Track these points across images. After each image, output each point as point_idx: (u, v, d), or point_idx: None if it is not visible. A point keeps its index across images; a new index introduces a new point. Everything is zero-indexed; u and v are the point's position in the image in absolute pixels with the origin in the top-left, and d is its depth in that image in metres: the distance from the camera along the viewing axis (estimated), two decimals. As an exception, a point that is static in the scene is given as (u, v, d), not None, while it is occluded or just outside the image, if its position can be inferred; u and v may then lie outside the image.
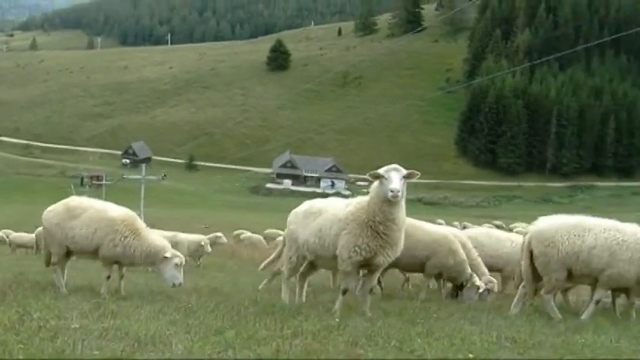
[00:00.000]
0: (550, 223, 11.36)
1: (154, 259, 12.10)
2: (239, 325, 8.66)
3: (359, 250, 10.12)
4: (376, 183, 10.32)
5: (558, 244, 10.94)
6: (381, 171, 10.13)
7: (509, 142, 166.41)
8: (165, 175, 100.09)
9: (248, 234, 41.21)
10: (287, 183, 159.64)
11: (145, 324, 8.37)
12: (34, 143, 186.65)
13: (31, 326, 8.02)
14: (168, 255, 11.93)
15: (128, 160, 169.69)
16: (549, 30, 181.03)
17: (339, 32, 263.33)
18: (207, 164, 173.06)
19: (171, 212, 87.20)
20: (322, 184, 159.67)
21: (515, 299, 11.84)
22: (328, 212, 10.83)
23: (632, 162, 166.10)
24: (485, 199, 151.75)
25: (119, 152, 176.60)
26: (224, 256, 29.40)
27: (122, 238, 12.07)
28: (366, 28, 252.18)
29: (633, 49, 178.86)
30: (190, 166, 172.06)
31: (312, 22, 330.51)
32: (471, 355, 7.51)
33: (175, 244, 24.52)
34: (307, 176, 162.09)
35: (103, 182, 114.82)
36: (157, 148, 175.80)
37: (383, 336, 8.29)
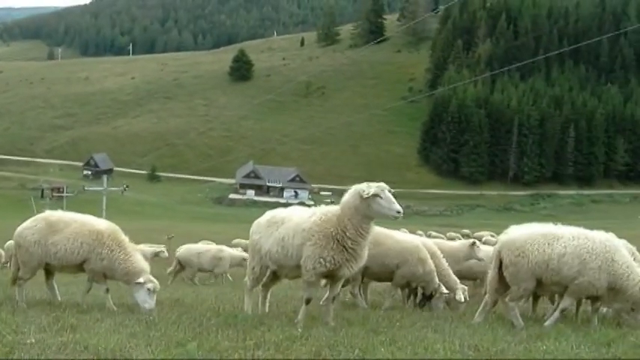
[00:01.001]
0: (520, 232, 11.36)
1: (130, 279, 12.01)
2: (201, 337, 8.57)
3: (323, 262, 10.06)
4: (355, 198, 10.40)
5: (528, 254, 10.94)
6: (373, 190, 10.31)
7: (471, 152, 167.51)
8: (127, 186, 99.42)
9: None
10: (250, 193, 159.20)
11: (105, 337, 8.25)
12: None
13: (-13, 342, 7.87)
14: (141, 280, 11.78)
15: (89, 172, 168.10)
16: (510, 40, 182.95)
17: (302, 42, 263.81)
18: (169, 175, 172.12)
19: (133, 224, 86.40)
20: (285, 194, 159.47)
21: (480, 308, 11.85)
22: (292, 221, 10.76)
23: (592, 170, 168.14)
24: (448, 208, 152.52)
25: (80, 164, 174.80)
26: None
27: (109, 252, 11.98)
28: (329, 38, 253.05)
29: (592, 59, 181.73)
30: (152, 177, 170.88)
31: (275, 33, 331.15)
32: (433, 364, 7.50)
33: (219, 259, 24.43)
34: (270, 186, 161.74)
35: (64, 194, 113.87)
36: (119, 160, 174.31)
37: (346, 345, 8.24)
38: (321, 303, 10.86)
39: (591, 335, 9.75)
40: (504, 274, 11.28)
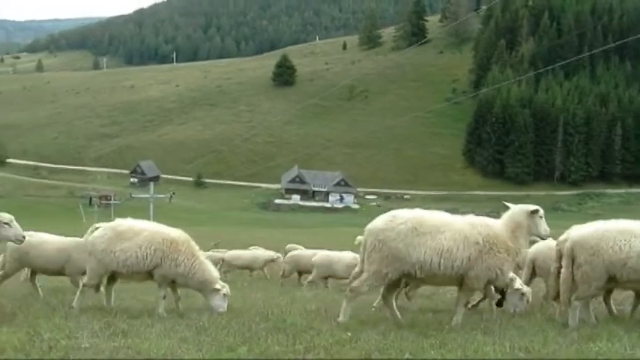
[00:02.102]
0: (593, 230, 11.04)
1: (205, 287, 12.36)
2: (251, 342, 8.61)
3: (499, 273, 10.65)
4: (525, 216, 11.09)
5: (603, 252, 10.67)
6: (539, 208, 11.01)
7: (516, 152, 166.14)
8: (173, 193, 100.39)
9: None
10: (295, 198, 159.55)
11: (156, 342, 8.34)
12: (42, 164, 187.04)
13: (42, 347, 7.99)
14: (218, 287, 12.27)
15: (136, 179, 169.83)
16: (553, 38, 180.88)
17: (344, 46, 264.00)
18: (215, 181, 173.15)
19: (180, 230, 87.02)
20: (331, 198, 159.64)
21: (558, 311, 11.64)
22: (454, 232, 10.75)
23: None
24: (494, 210, 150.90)
25: (127, 172, 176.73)
26: (234, 273, 29.30)
27: (185, 259, 12.20)
28: (371, 41, 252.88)
29: (638, 55, 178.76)
30: (198, 184, 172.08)
31: (317, 37, 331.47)
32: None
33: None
34: (316, 191, 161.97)
35: (112, 202, 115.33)
36: (165, 167, 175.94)
37: (396, 349, 8.23)
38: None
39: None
40: (575, 272, 11.00)
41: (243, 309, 13.02)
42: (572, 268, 11.06)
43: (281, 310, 12.91)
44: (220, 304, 12.21)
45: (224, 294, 12.24)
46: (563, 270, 11.32)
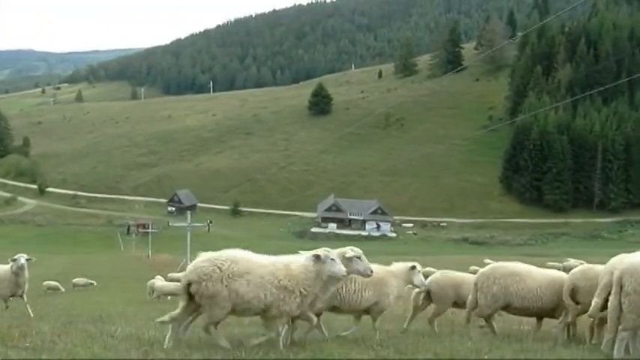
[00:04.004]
0: None
1: None
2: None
3: None
4: None
5: None
6: None
7: (554, 179, 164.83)
8: (211, 221, 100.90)
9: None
10: (332, 227, 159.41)
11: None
12: (81, 193, 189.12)
13: (80, 376, 8.01)
14: None
15: (174, 208, 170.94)
16: (590, 64, 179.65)
17: (380, 74, 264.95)
18: (251, 210, 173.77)
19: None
20: (367, 226, 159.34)
21: (605, 341, 11.33)
22: None
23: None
24: (533, 237, 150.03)
25: (164, 200, 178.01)
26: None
27: None
28: (407, 69, 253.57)
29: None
30: (235, 212, 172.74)
31: (353, 66, 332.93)
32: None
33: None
34: (352, 219, 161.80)
35: (150, 230, 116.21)
36: (202, 196, 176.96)
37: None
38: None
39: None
40: (623, 301, 10.67)
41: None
42: (620, 296, 10.80)
43: (318, 339, 12.83)
44: None
45: None
46: (611, 298, 11.07)
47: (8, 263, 18.70)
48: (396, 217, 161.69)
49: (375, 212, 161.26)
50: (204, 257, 11.09)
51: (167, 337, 11.78)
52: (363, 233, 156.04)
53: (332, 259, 11.17)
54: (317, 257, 11.18)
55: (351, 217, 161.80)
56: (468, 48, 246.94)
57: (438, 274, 16.36)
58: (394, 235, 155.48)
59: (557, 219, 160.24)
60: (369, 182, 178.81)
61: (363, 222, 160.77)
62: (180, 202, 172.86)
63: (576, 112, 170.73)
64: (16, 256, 18.45)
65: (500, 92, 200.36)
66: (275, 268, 11.25)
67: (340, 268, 11.20)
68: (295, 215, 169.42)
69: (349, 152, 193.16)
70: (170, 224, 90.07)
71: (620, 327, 10.76)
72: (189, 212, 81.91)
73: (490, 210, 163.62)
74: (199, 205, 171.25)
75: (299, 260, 11.42)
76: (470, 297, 14.61)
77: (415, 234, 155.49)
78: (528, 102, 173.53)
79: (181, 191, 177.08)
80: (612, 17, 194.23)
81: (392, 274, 13.39)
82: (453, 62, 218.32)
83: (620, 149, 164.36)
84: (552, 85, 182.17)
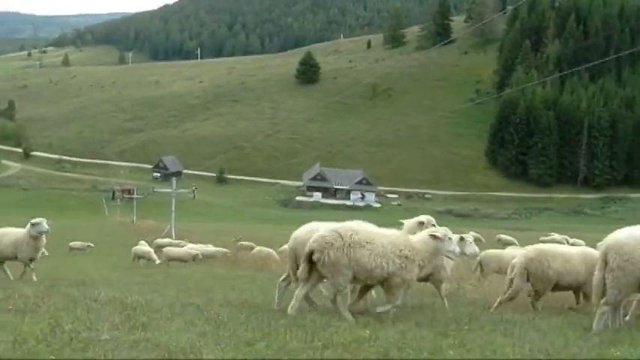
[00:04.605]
0: (629, 235, 10.83)
1: None
2: (270, 337, 8.62)
3: None
4: None
5: (638, 260, 10.50)
6: None
7: (539, 154, 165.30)
8: (195, 188, 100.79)
9: (259, 247, 41.03)
10: (317, 196, 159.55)
11: (176, 336, 8.36)
12: (66, 158, 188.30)
13: (63, 338, 8.03)
14: None
15: (159, 174, 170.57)
16: (579, 40, 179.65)
17: (368, 45, 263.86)
18: (237, 177, 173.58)
19: (201, 225, 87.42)
20: (352, 196, 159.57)
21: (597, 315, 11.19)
22: None
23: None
24: (516, 211, 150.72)
25: (150, 166, 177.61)
26: (254, 268, 29.37)
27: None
28: (395, 40, 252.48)
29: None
30: (220, 180, 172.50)
31: (342, 35, 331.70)
32: (502, 367, 7.45)
33: None
34: (337, 189, 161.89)
35: (134, 196, 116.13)
36: (188, 162, 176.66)
37: (414, 347, 8.22)
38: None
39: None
40: (606, 276, 10.84)
41: (263, 305, 13.05)
42: (604, 271, 10.93)
43: (300, 306, 12.90)
44: None
45: None
46: (595, 273, 11.23)
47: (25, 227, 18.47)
48: (381, 188, 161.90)
49: (360, 182, 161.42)
50: (326, 227, 11.56)
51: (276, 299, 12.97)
52: (348, 203, 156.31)
53: (450, 238, 11.85)
54: (435, 236, 11.72)
55: (336, 186, 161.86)
56: (457, 21, 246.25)
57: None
58: (378, 205, 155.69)
59: (541, 194, 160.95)
60: (355, 152, 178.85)
61: (348, 192, 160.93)
62: (165, 168, 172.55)
63: (563, 87, 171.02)
64: (36, 220, 18.19)
65: (489, 66, 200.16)
66: (396, 238, 11.73)
67: (455, 248, 12.01)
68: (280, 183, 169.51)
69: (336, 122, 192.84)
70: (155, 190, 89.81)
71: (602, 301, 10.88)
72: (174, 178, 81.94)
73: (475, 183, 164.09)
74: (184, 171, 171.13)
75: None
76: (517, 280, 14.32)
77: (400, 205, 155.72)
78: (516, 76, 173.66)
79: (167, 157, 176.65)
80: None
81: None
82: (441, 34, 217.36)
83: (605, 126, 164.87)
84: (540, 60, 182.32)
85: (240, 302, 13.43)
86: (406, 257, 11.41)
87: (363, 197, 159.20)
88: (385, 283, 11.57)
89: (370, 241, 11.27)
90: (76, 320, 9.30)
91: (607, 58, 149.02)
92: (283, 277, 13.34)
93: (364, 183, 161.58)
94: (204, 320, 10.01)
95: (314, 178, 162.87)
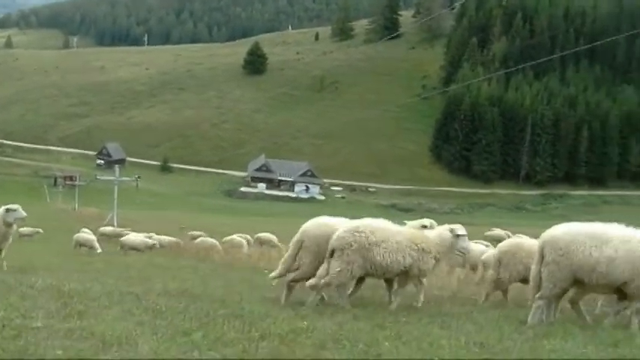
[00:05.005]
0: (566, 231, 11.02)
1: None
2: (207, 327, 8.59)
3: None
4: None
5: (572, 255, 10.66)
6: None
7: (483, 150, 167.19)
8: (139, 177, 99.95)
9: (202, 238, 41.01)
10: (261, 187, 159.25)
11: (112, 324, 8.30)
12: (7, 142, 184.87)
13: (-7, 325, 7.92)
14: None
15: (102, 161, 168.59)
16: (525, 39, 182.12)
17: (317, 37, 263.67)
18: (181, 166, 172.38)
19: (144, 214, 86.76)
20: (296, 188, 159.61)
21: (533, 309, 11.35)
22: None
23: (605, 171, 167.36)
24: (459, 206, 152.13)
25: (93, 153, 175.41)
26: (197, 258, 29.26)
27: None
28: (343, 33, 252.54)
29: (607, 60, 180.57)
30: (165, 168, 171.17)
31: (290, 27, 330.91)
32: (436, 359, 7.51)
33: None
34: (282, 180, 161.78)
35: (77, 183, 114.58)
36: (132, 150, 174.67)
37: (351, 339, 8.25)
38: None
39: (598, 335, 9.71)
40: (542, 270, 11.05)
41: (203, 295, 13.00)
42: (540, 265, 11.15)
43: (240, 297, 12.91)
44: None
45: None
46: (533, 267, 11.47)
47: None
48: (325, 180, 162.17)
49: (304, 174, 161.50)
50: (343, 225, 12.42)
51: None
52: (292, 195, 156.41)
53: (464, 236, 12.76)
54: (452, 231, 12.74)
55: (281, 178, 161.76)
56: (406, 15, 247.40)
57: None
58: (323, 198, 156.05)
59: (484, 189, 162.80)
60: (300, 144, 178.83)
61: (293, 183, 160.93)
62: (109, 155, 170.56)
63: (509, 85, 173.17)
64: (11, 206, 17.54)
65: (435, 62, 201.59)
66: (412, 233, 12.72)
67: (469, 246, 13.05)
68: (225, 174, 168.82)
69: (282, 113, 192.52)
70: (98, 177, 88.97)
71: (537, 295, 11.07)
72: (117, 166, 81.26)
73: (419, 178, 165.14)
74: (128, 159, 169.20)
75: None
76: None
77: (344, 198, 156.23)
78: (462, 73, 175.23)
79: (110, 144, 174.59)
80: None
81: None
82: (390, 29, 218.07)
83: (548, 124, 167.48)
84: (487, 58, 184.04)
85: (180, 292, 13.36)
86: (423, 250, 12.34)
87: (307, 189, 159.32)
88: (406, 275, 12.55)
89: (385, 239, 12.10)
90: (10, 307, 9.17)
91: (551, 57, 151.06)
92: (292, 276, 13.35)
93: (309, 175, 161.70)
94: (142, 309, 9.95)
95: (259, 169, 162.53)
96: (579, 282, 10.95)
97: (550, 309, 11.29)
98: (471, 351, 8.20)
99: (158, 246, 33.89)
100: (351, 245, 11.87)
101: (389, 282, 13.07)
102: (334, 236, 12.10)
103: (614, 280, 10.64)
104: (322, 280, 12.07)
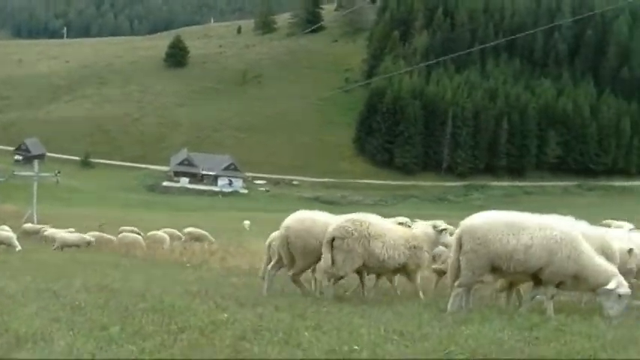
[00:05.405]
0: (483, 220, 11.26)
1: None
2: (126, 321, 8.52)
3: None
4: None
5: (490, 244, 10.89)
6: None
7: (406, 142, 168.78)
8: (58, 172, 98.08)
9: (125, 233, 40.65)
10: (184, 181, 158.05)
11: (27, 321, 8.16)
12: None
13: None
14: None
15: (20, 157, 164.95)
16: (446, 33, 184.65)
17: (239, 30, 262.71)
18: (103, 162, 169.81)
19: (65, 210, 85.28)
20: (220, 182, 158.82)
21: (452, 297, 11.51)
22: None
23: (524, 163, 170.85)
24: (383, 198, 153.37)
25: (11, 148, 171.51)
26: (118, 254, 28.95)
27: None
28: (266, 26, 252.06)
29: (526, 53, 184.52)
30: (85, 164, 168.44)
31: (212, 19, 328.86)
32: (356, 347, 7.56)
33: None
34: (205, 174, 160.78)
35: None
36: (51, 145, 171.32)
37: (271, 330, 8.27)
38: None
39: (515, 320, 9.92)
40: (461, 259, 11.24)
41: (123, 290, 12.87)
42: (459, 254, 11.34)
43: (161, 290, 12.82)
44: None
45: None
46: (451, 255, 11.70)
47: None
48: (248, 174, 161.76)
49: (227, 168, 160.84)
50: (345, 217, 12.94)
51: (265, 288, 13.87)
52: (215, 189, 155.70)
53: (446, 230, 13.36)
54: (435, 226, 13.33)
55: (204, 172, 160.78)
56: (328, 9, 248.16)
57: None
58: (246, 191, 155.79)
59: (407, 181, 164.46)
60: (223, 138, 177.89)
61: (216, 177, 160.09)
62: (27, 150, 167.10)
63: (430, 78, 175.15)
64: None
65: (358, 55, 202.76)
66: (403, 232, 13.23)
67: (449, 240, 13.01)
68: (148, 168, 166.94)
69: (205, 106, 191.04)
70: (15, 173, 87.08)
71: (456, 283, 11.25)
72: (36, 161, 79.68)
73: (342, 170, 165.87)
74: (48, 154, 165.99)
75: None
76: None
77: (267, 191, 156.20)
78: (384, 66, 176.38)
79: (29, 139, 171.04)
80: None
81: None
82: (312, 22, 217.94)
83: (469, 116, 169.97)
84: (408, 51, 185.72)
85: (100, 287, 13.23)
86: (415, 247, 12.89)
87: (230, 183, 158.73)
88: (401, 271, 13.31)
89: (383, 234, 12.57)
90: None
91: (471, 49, 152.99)
92: (272, 264, 14.18)
93: (232, 169, 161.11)
94: (59, 306, 9.83)
95: (181, 163, 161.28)
96: (497, 269, 11.20)
97: (469, 296, 11.52)
98: (389, 339, 8.29)
99: (94, 243, 33.60)
100: (352, 234, 12.29)
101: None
102: (334, 225, 12.56)
103: (530, 266, 10.97)
104: (331, 271, 12.52)
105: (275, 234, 14.51)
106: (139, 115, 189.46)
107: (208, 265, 24.10)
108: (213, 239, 40.30)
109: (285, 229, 13.36)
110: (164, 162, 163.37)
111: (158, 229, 42.05)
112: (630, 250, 13.48)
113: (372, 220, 12.77)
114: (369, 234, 12.30)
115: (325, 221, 13.21)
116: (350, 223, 12.45)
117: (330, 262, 12.28)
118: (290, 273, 13.51)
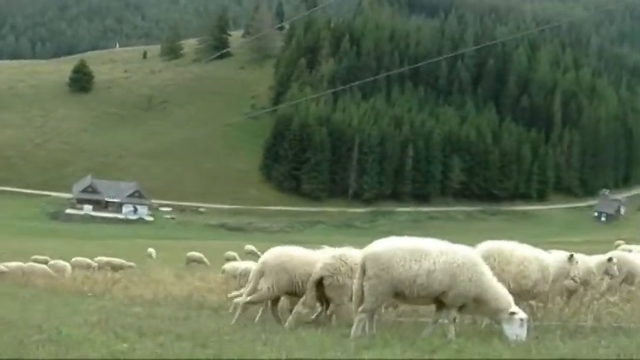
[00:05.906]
0: (386, 246, 11.40)
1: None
2: (20, 353, 8.24)
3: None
4: None
5: (393, 270, 11.03)
6: None
7: (312, 169, 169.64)
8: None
9: (17, 264, 39.40)
10: (88, 208, 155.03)
11: None
12: None
13: None
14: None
15: None
16: (353, 60, 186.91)
17: (145, 55, 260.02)
18: (2, 188, 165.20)
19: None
20: (124, 209, 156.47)
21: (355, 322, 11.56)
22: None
23: (429, 188, 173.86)
24: (290, 224, 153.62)
25: None
26: (17, 285, 28.12)
27: None
28: (172, 52, 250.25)
29: (431, 81, 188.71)
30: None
31: (117, 44, 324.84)
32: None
33: None
34: (109, 201, 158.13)
35: None
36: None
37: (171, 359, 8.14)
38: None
39: (417, 344, 10.00)
40: (364, 284, 11.29)
41: (19, 321, 12.47)
42: (362, 280, 11.40)
43: (60, 321, 12.47)
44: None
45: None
46: (355, 281, 11.74)
47: None
48: (154, 201, 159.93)
49: (132, 195, 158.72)
50: (329, 254, 13.45)
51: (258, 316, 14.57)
52: (120, 216, 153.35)
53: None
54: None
55: (108, 199, 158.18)
56: (235, 36, 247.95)
57: None
58: (151, 219, 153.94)
59: (314, 207, 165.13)
60: (128, 164, 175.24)
61: (120, 204, 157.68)
62: None
63: (336, 105, 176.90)
64: None
65: (265, 82, 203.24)
66: None
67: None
68: (50, 195, 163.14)
69: (109, 132, 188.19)
70: None
71: (359, 308, 11.31)
72: None
73: (249, 197, 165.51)
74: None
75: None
76: None
77: (173, 218, 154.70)
78: (291, 93, 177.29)
79: None
80: (375, 17, 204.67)
81: None
82: (219, 48, 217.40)
83: (375, 143, 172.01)
84: (315, 78, 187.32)
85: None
86: None
87: (135, 210, 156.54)
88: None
89: None
90: None
91: (377, 76, 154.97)
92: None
93: (137, 196, 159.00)
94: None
95: (85, 190, 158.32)
96: (400, 294, 11.31)
97: (372, 321, 11.60)
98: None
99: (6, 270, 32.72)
100: (340, 270, 12.92)
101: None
102: (319, 265, 13.10)
103: (433, 290, 11.17)
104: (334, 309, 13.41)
105: (235, 264, 15.24)
106: (41, 141, 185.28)
107: (111, 294, 23.67)
108: (134, 263, 39.72)
109: (262, 263, 14.03)
110: (67, 189, 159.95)
111: (61, 258, 41.09)
112: None
113: (353, 253, 13.13)
114: (355, 266, 12.45)
115: (300, 256, 14.07)
116: (335, 260, 13.11)
117: (314, 299, 13.16)
118: (246, 300, 13.99)
